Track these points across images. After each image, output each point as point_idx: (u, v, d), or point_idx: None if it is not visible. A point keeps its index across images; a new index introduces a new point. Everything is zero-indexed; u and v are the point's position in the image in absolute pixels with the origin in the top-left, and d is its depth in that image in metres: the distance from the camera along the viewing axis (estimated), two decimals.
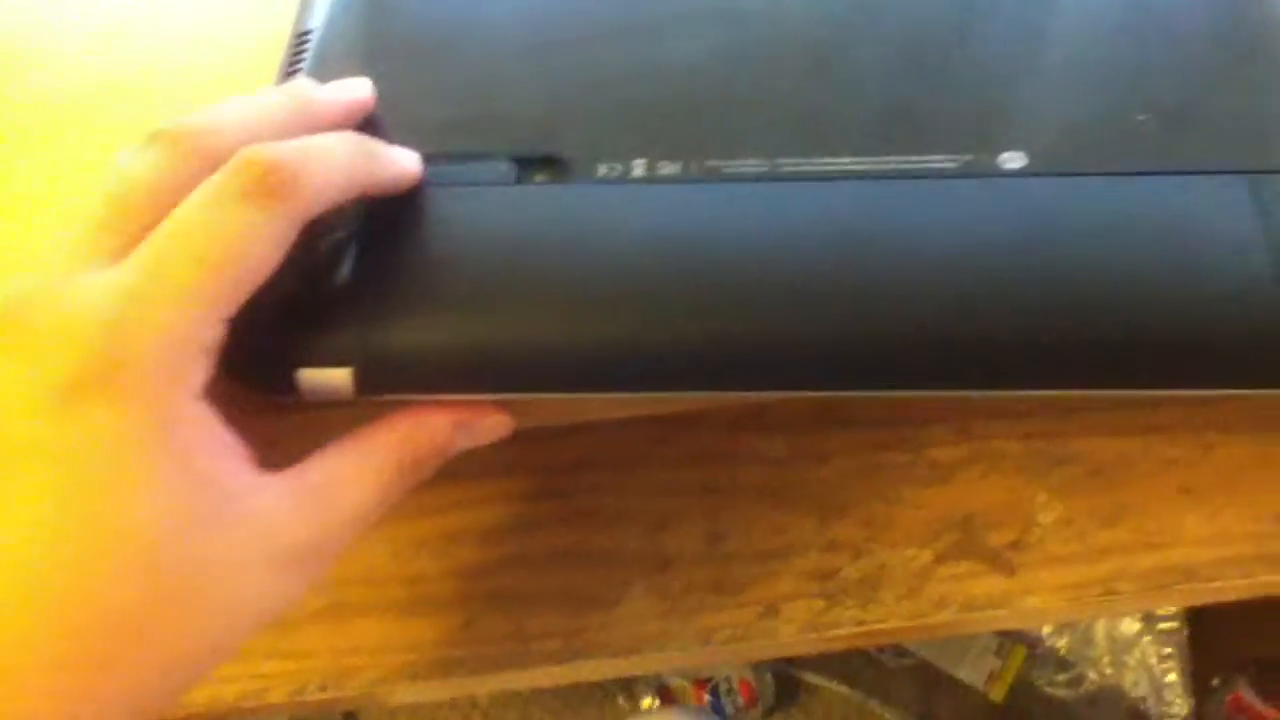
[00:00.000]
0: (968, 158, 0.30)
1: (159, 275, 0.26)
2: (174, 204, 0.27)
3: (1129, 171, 0.30)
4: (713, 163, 0.31)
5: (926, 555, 0.37)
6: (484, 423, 0.31)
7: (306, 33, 0.37)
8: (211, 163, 0.27)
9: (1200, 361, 0.28)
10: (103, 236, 0.27)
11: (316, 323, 0.29)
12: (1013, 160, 0.30)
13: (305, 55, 0.36)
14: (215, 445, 0.26)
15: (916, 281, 0.28)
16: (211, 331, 0.26)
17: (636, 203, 0.31)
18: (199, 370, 0.26)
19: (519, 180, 0.32)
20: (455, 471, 0.38)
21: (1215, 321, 0.28)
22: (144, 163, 0.28)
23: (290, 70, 0.36)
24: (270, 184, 0.27)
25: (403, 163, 0.31)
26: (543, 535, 0.37)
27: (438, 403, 0.30)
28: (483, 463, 0.38)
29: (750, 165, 0.31)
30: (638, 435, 0.39)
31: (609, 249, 0.30)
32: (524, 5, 0.36)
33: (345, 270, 0.30)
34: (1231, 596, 0.37)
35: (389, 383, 0.30)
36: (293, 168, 0.27)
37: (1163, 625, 0.97)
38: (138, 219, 0.27)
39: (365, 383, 0.29)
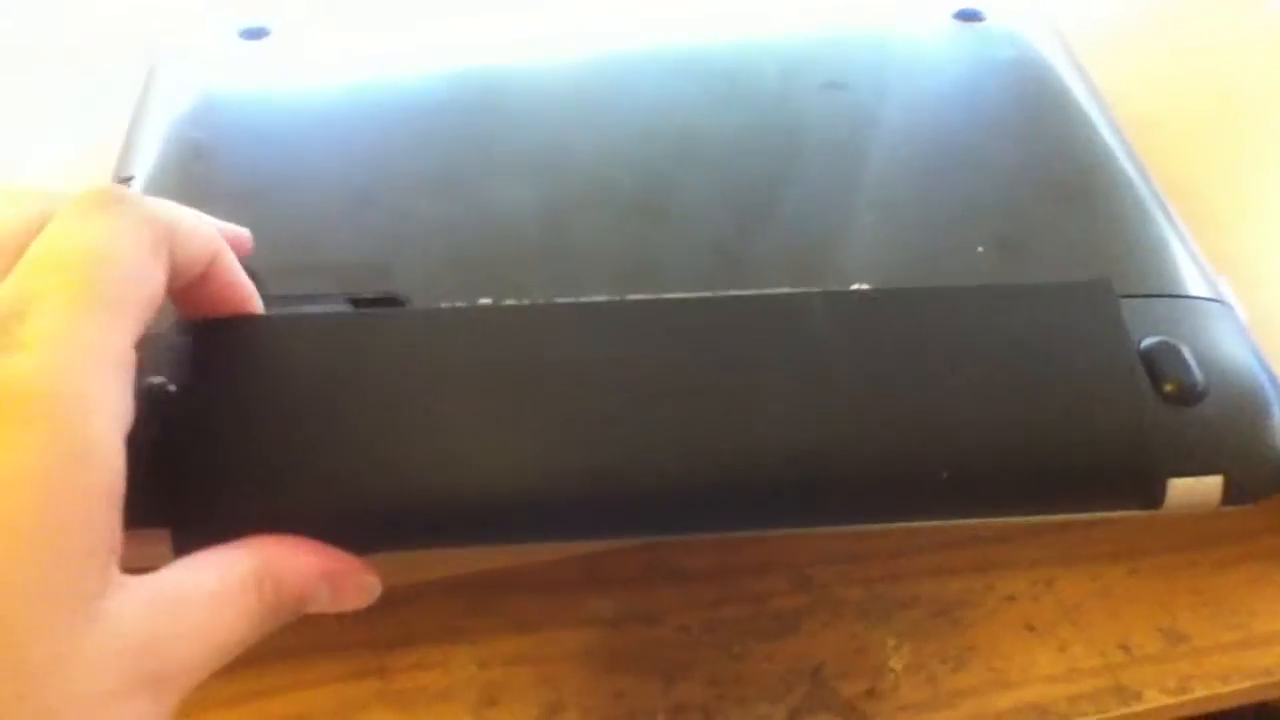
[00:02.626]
0: (814, 290, 0.30)
1: (43, 285, 0.22)
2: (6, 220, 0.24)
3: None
4: (561, 300, 0.30)
5: (780, 712, 0.35)
6: (352, 580, 0.27)
7: (127, 179, 0.35)
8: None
9: (1073, 480, 0.27)
10: None
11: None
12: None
13: None
14: (112, 516, 0.22)
15: (781, 408, 0.27)
16: (124, 343, 0.22)
17: (478, 328, 0.28)
18: (122, 391, 0.22)
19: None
20: (268, 653, 0.35)
21: (1087, 440, 0.27)
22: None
23: None
24: (116, 195, 0.24)
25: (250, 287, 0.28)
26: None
27: (307, 542, 0.26)
28: (298, 643, 0.35)
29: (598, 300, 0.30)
30: (458, 605, 0.37)
31: (447, 379, 0.27)
32: (349, 154, 0.35)
33: (158, 423, 0.26)
34: None
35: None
36: (135, 193, 0.25)
37: None
38: None
39: (182, 547, 0.26)
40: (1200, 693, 0.36)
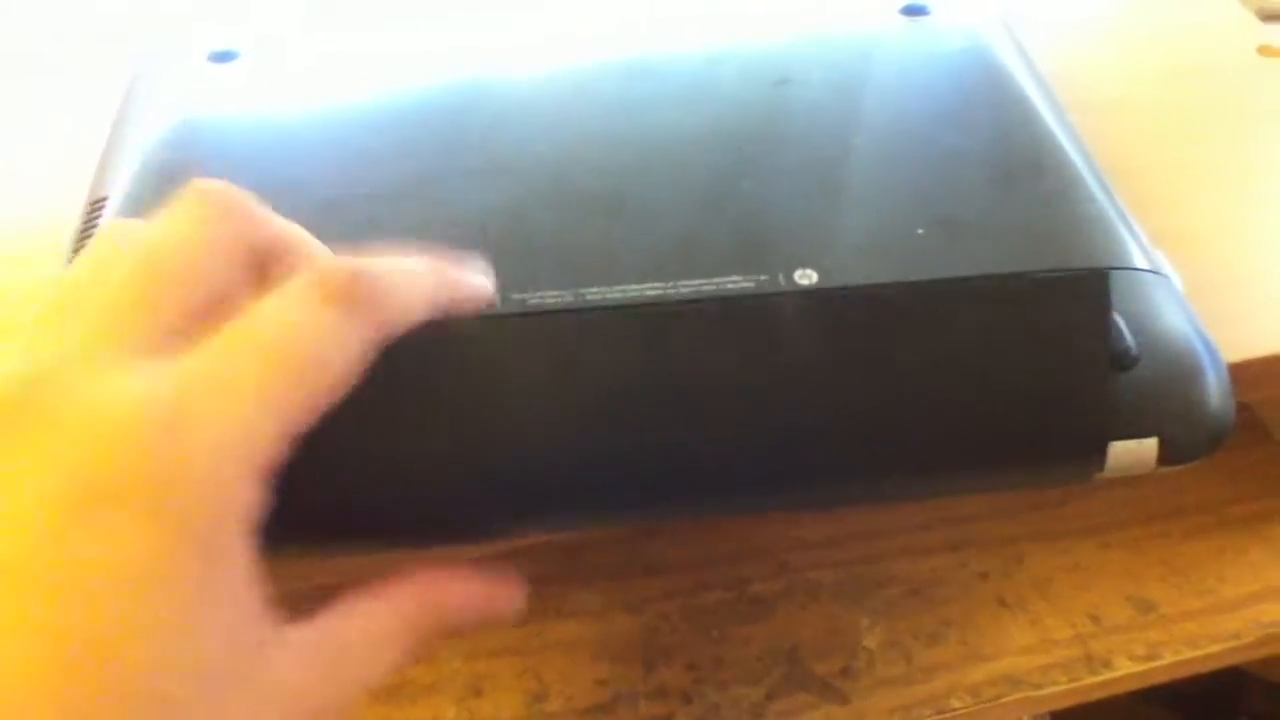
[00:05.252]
0: (762, 278, 0.31)
1: (223, 374, 0.22)
2: (214, 277, 0.24)
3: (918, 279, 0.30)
4: (517, 296, 0.31)
5: (758, 693, 0.36)
6: (500, 602, 0.27)
7: (100, 200, 0.36)
8: (248, 243, 0.25)
9: (1014, 447, 0.28)
10: (132, 314, 0.23)
11: None
12: (804, 277, 0.31)
13: (98, 223, 0.35)
14: (250, 591, 0.22)
15: (725, 402, 0.28)
16: (274, 448, 0.22)
17: (436, 339, 0.30)
18: (254, 497, 0.22)
19: None
20: None
21: (1042, 415, 0.28)
22: (179, 232, 0.24)
23: (83, 238, 0.35)
24: (355, 292, 0.24)
25: (479, 282, 0.29)
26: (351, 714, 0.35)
27: (456, 571, 0.27)
28: None
29: (553, 296, 0.31)
30: None
31: (416, 385, 0.28)
32: (314, 167, 0.36)
33: None
34: (1066, 703, 0.37)
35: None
36: (379, 279, 0.25)
37: None
38: (173, 294, 0.23)
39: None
40: (1169, 659, 0.37)
